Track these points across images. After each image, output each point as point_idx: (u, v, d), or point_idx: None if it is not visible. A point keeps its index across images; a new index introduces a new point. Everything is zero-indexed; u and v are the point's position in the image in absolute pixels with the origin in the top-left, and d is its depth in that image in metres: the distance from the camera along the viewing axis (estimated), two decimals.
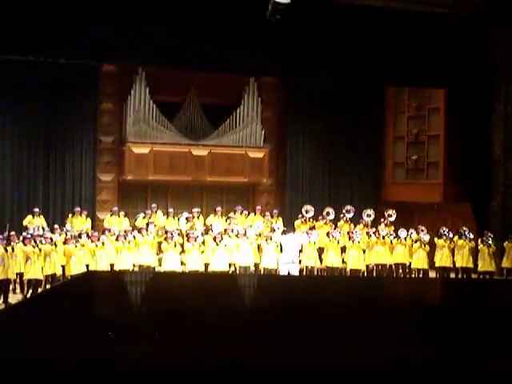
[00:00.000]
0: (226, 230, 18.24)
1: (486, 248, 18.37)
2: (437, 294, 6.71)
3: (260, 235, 18.29)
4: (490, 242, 18.33)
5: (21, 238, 15.96)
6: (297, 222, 19.72)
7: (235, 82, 21.63)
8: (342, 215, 20.11)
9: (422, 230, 18.85)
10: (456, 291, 7.02)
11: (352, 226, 19.81)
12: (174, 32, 17.91)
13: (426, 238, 18.65)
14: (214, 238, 17.64)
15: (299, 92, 21.85)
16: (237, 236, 17.86)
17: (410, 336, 4.16)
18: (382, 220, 20.01)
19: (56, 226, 17.54)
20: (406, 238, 18.77)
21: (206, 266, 17.49)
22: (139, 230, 17.69)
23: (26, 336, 3.85)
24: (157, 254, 17.89)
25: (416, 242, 18.68)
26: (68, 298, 5.48)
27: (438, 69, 19.82)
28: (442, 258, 18.68)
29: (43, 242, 15.83)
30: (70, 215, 19.15)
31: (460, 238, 18.73)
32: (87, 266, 16.49)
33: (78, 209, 19.21)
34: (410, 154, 22.75)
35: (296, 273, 17.25)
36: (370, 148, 22.88)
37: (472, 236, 18.72)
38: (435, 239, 18.84)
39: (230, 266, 17.71)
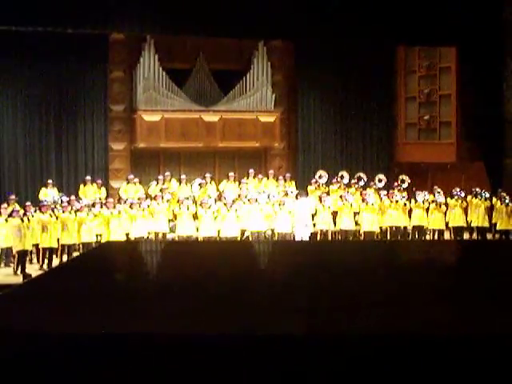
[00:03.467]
0: (239, 196, 18.26)
1: (503, 206, 18.33)
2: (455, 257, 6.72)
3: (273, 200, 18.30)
4: (508, 200, 18.29)
5: (36, 208, 16.08)
6: (310, 188, 19.66)
7: (244, 47, 21.51)
8: (353, 182, 19.99)
9: (439, 192, 18.78)
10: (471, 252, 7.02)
11: (364, 192, 19.70)
12: None
13: (441, 199, 18.62)
14: (225, 205, 17.67)
15: (309, 54, 21.66)
16: (249, 201, 17.89)
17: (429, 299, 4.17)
18: (396, 185, 19.89)
19: (73, 197, 17.60)
20: (423, 202, 18.70)
21: (218, 232, 17.57)
22: (154, 198, 17.75)
23: (47, 309, 3.88)
24: (172, 221, 17.97)
25: (432, 202, 18.64)
26: (89, 269, 5.52)
27: (448, 26, 19.61)
28: (455, 218, 18.70)
29: (60, 209, 15.95)
30: (81, 185, 19.22)
31: (475, 197, 18.71)
32: (99, 235, 16.61)
33: (89, 177, 19.28)
34: (422, 114, 22.60)
35: (306, 237, 17.30)
36: (381, 109, 22.73)
37: (488, 195, 18.69)
38: (447, 199, 18.82)
39: (241, 232, 17.78)
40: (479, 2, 19.72)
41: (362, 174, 20.09)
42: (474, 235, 18.96)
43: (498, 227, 18.41)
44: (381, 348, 3.18)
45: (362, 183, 19.92)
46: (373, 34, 19.52)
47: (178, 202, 17.72)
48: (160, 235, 17.44)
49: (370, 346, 3.19)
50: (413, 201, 18.79)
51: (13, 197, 17.13)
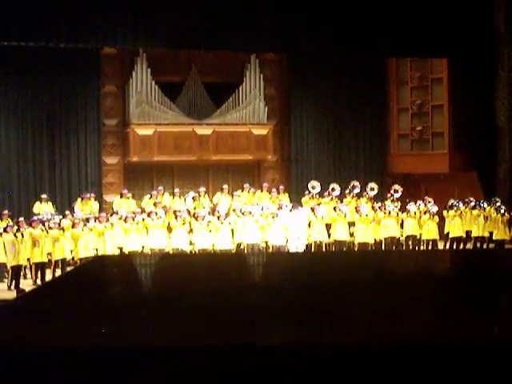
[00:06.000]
0: (234, 210, 18.23)
1: (499, 216, 18.37)
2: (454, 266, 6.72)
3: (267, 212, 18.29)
4: (503, 210, 18.34)
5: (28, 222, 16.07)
6: (304, 199, 19.71)
7: (236, 60, 21.57)
8: (348, 191, 20.03)
9: (430, 202, 18.85)
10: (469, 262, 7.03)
11: (358, 202, 19.75)
12: (173, 12, 17.88)
13: (434, 209, 18.67)
14: (219, 218, 17.65)
15: (301, 67, 21.76)
16: (243, 214, 17.88)
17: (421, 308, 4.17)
18: (389, 196, 19.92)
19: (67, 212, 17.56)
20: (415, 212, 18.73)
21: (213, 245, 17.53)
22: (148, 214, 17.65)
23: (40, 324, 3.87)
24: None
25: (425, 213, 18.67)
26: (82, 283, 5.50)
27: (439, 38, 19.72)
28: (455, 229, 18.69)
29: (52, 226, 15.93)
30: (78, 199, 19.12)
31: (475, 207, 18.74)
32: (96, 250, 16.58)
33: (88, 195, 19.13)
34: (415, 124, 22.66)
35: (300, 249, 17.28)
36: (374, 120, 22.81)
37: (486, 205, 18.72)
38: (444, 211, 18.84)
39: (236, 244, 17.75)
40: (470, 13, 19.82)
41: (355, 183, 20.14)
42: (469, 245, 18.95)
43: (494, 237, 18.43)
44: (376, 359, 3.18)
45: (356, 191, 19.97)
46: (364, 46, 19.61)
47: (176, 215, 17.66)
48: (156, 250, 17.33)
49: (365, 357, 3.18)
50: (405, 212, 18.82)
51: (6, 212, 17.08)
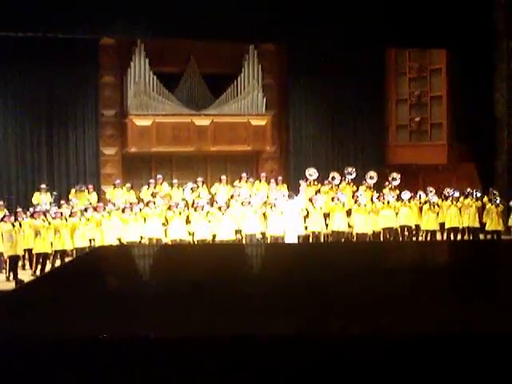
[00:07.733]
0: (232, 196, 18.24)
1: (493, 207, 18.33)
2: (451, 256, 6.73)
3: (265, 203, 18.29)
4: (498, 201, 18.32)
5: (28, 213, 16.06)
6: (303, 185, 19.66)
7: (235, 51, 21.53)
8: (343, 177, 20.05)
9: (431, 191, 18.80)
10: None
11: (354, 187, 19.75)
12: (171, 2, 17.83)
13: (435, 199, 18.62)
14: (220, 208, 17.65)
15: (300, 57, 21.72)
16: (242, 204, 17.89)
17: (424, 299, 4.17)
18: (387, 184, 19.95)
19: (62, 201, 17.56)
20: (409, 200, 18.71)
21: (214, 236, 17.53)
22: (147, 204, 17.67)
23: (39, 315, 3.87)
24: (163, 224, 17.91)
25: (425, 203, 18.64)
26: (81, 273, 5.50)
27: (438, 29, 19.69)
28: (451, 219, 18.67)
29: (53, 216, 15.92)
30: (73, 190, 19.08)
31: (467, 197, 18.73)
32: (92, 240, 16.56)
33: (83, 187, 19.08)
34: (413, 115, 22.68)
35: (295, 240, 17.22)
36: (372, 111, 22.79)
37: (479, 195, 18.71)
38: (439, 201, 18.82)
39: (236, 234, 17.77)
40: (469, 5, 19.78)
41: (350, 168, 20.12)
42: (466, 236, 18.95)
43: (487, 228, 18.40)
44: (374, 349, 3.18)
45: (351, 177, 19.95)
46: (363, 37, 19.58)
47: (170, 207, 17.64)
48: (154, 240, 17.35)
49: (364, 347, 3.19)
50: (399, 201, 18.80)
51: (1, 203, 17.05)
